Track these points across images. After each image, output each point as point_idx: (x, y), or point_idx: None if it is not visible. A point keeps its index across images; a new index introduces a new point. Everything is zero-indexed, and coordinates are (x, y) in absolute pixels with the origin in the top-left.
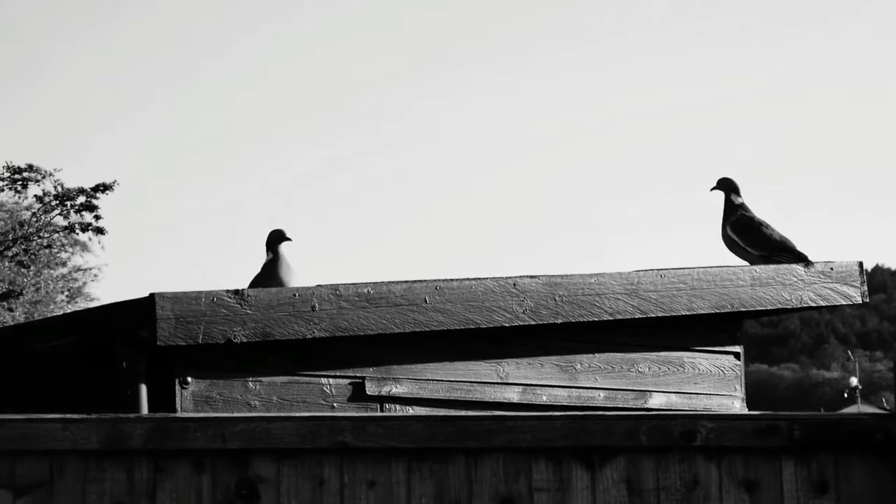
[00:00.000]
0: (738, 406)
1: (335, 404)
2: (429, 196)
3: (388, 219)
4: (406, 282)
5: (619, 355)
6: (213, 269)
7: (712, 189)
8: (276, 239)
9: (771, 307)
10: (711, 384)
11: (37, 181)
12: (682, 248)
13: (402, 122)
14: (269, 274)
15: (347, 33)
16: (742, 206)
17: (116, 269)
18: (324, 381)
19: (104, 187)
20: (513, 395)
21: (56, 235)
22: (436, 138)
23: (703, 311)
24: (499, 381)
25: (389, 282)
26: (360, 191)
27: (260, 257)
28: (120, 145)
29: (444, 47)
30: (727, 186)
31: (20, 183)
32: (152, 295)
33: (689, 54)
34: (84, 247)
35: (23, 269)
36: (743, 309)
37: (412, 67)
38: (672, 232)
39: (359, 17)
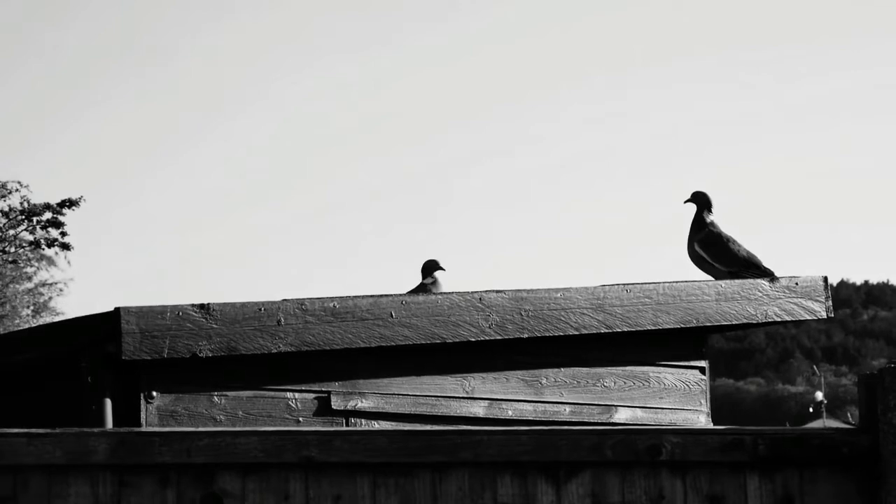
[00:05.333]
0: (703, 421)
1: (301, 419)
2: (398, 207)
3: (358, 230)
4: (372, 296)
5: (584, 370)
6: (180, 284)
7: (686, 202)
8: (430, 267)
9: (736, 322)
10: (677, 399)
11: (3, 196)
12: (648, 263)
13: (373, 128)
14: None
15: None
16: (711, 224)
17: (82, 283)
18: (289, 395)
19: (70, 203)
20: (479, 409)
21: (22, 250)
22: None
23: (669, 326)
24: (465, 395)
25: (355, 296)
26: (309, 208)
27: (228, 273)
28: (87, 156)
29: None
30: (700, 201)
31: None
32: (117, 309)
33: (647, 71)
34: (50, 261)
35: None
36: (708, 324)
37: (386, 78)
38: (638, 247)
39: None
